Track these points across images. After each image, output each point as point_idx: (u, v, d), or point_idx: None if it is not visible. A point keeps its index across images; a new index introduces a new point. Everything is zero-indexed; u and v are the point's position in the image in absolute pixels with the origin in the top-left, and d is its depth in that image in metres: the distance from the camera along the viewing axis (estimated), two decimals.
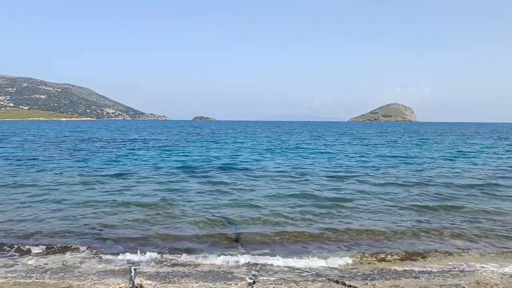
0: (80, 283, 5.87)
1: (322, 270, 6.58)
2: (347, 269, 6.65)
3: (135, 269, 6.48)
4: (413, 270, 6.62)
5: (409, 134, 69.50)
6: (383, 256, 7.32)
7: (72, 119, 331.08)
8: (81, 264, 6.75)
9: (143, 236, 8.31)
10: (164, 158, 23.84)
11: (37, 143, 36.50)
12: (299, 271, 6.51)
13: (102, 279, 6.03)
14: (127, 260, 6.95)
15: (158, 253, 7.32)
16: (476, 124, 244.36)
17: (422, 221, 9.68)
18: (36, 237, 8.20)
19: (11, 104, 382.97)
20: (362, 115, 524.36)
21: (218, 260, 6.99)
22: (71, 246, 7.64)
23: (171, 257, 7.14)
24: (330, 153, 28.67)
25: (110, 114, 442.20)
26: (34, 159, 22.64)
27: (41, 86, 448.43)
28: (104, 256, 7.17)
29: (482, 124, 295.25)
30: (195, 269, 6.55)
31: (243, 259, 7.03)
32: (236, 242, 8.02)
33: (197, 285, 5.85)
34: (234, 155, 26.25)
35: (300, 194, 12.79)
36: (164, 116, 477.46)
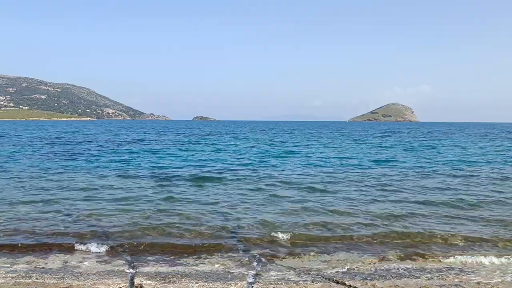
0: (80, 283, 5.87)
1: (322, 269, 6.58)
2: (347, 268, 6.65)
3: (135, 269, 6.48)
4: (413, 270, 6.62)
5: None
6: (383, 256, 7.32)
7: (72, 119, 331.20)
8: (81, 264, 6.75)
9: (143, 236, 8.31)
10: (161, 160, 23.85)
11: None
12: (299, 270, 6.50)
13: (102, 279, 6.03)
14: (127, 260, 6.95)
15: (158, 253, 7.33)
16: (483, 125, 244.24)
17: (422, 221, 9.67)
18: (35, 237, 8.19)
19: (11, 104, 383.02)
20: (362, 115, 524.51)
21: (218, 260, 7.00)
22: (71, 246, 7.64)
23: (171, 257, 7.14)
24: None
25: (110, 114, 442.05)
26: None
27: (41, 86, 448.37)
28: (104, 256, 7.17)
29: (482, 124, 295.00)
30: (195, 269, 6.55)
31: (244, 258, 7.03)
32: (236, 242, 8.02)
33: (197, 285, 5.85)
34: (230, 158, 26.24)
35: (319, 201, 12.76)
36: (164, 116, 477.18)
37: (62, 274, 6.23)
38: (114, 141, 41.27)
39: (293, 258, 7.16)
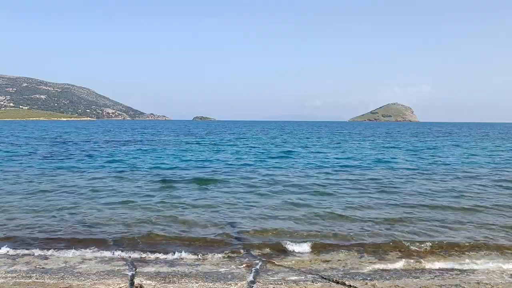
0: (80, 283, 5.87)
1: (322, 270, 6.58)
2: (347, 269, 6.65)
3: (135, 269, 6.48)
4: (413, 270, 6.62)
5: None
6: (383, 256, 7.32)
7: (72, 119, 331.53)
8: (81, 264, 6.75)
9: (143, 236, 8.30)
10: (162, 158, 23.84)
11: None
12: (299, 271, 6.50)
13: (102, 279, 6.03)
14: (127, 260, 6.95)
15: (158, 253, 7.32)
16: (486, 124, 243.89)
17: (422, 223, 9.67)
18: (35, 237, 8.19)
19: (11, 104, 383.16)
20: (362, 115, 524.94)
21: (218, 260, 7.00)
22: (71, 246, 7.63)
23: (171, 257, 7.14)
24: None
25: (110, 114, 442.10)
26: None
27: (41, 86, 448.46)
28: (104, 256, 7.16)
29: (482, 124, 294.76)
30: (195, 269, 6.55)
31: (244, 259, 7.03)
32: (236, 243, 8.02)
33: (197, 285, 5.85)
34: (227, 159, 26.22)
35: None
36: (164, 116, 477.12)
37: (62, 274, 6.23)
38: (113, 141, 41.26)
39: (293, 258, 7.15)
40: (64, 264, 6.71)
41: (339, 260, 7.10)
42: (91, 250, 7.42)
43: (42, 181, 14.64)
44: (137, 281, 5.93)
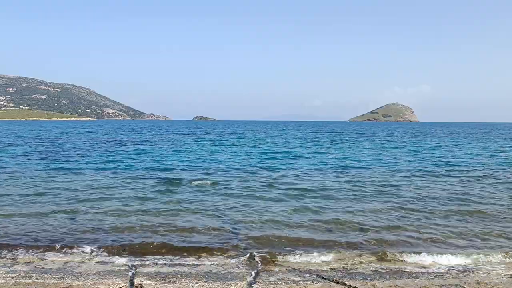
0: (80, 283, 5.87)
1: (322, 270, 6.57)
2: (347, 269, 6.65)
3: (135, 269, 6.48)
4: (413, 270, 6.62)
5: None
6: (383, 256, 7.32)
7: (72, 119, 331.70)
8: (81, 264, 6.75)
9: (142, 237, 8.31)
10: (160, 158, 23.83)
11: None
12: (299, 271, 6.50)
13: (102, 279, 6.03)
14: (127, 260, 6.95)
15: (158, 253, 7.33)
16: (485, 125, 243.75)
17: (423, 224, 9.67)
18: (36, 237, 8.19)
19: (11, 104, 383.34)
20: (362, 115, 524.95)
21: (218, 261, 7.00)
22: (71, 246, 7.63)
23: (171, 257, 7.15)
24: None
25: (110, 114, 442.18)
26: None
27: (41, 86, 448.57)
28: (104, 257, 7.16)
29: (482, 124, 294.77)
30: (195, 269, 6.55)
31: (244, 260, 7.03)
32: (236, 244, 8.02)
33: (197, 285, 5.85)
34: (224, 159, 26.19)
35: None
36: (164, 116, 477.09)
37: (62, 274, 6.23)
38: (112, 141, 41.26)
39: (293, 259, 7.15)
40: (64, 264, 6.71)
41: (339, 260, 7.10)
42: (91, 251, 7.42)
43: (40, 183, 14.60)
44: (137, 281, 5.93)
